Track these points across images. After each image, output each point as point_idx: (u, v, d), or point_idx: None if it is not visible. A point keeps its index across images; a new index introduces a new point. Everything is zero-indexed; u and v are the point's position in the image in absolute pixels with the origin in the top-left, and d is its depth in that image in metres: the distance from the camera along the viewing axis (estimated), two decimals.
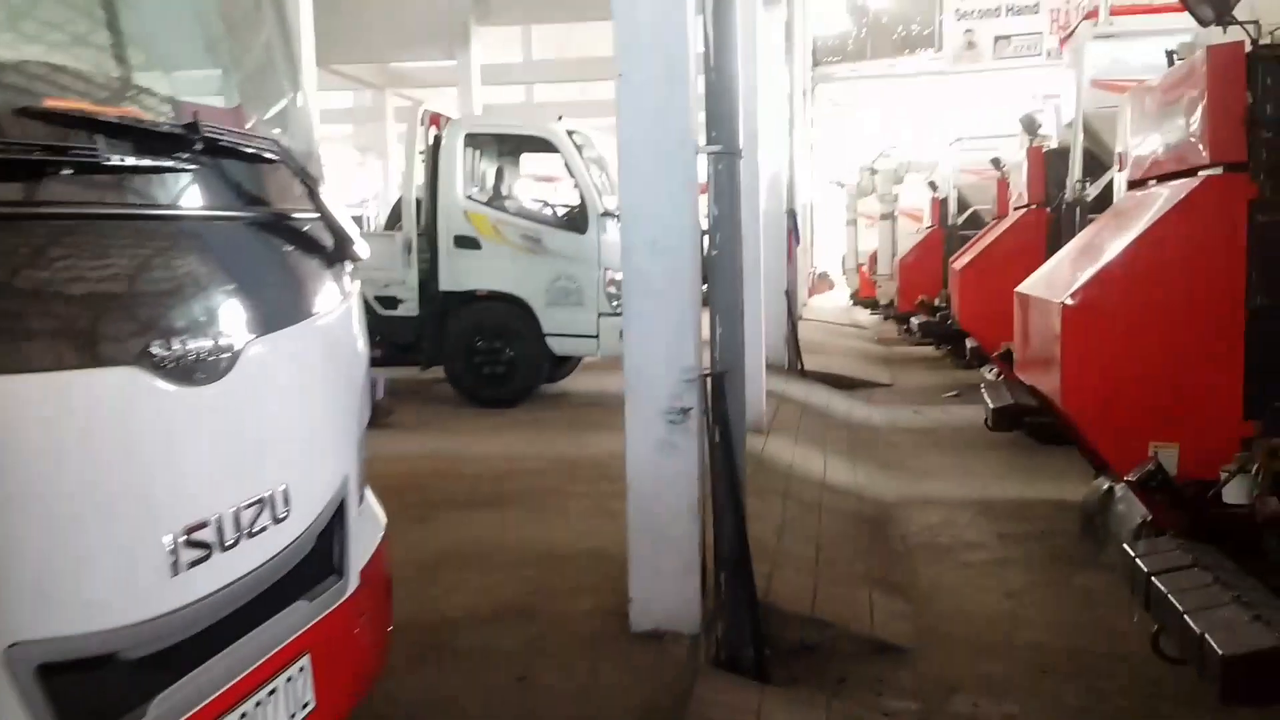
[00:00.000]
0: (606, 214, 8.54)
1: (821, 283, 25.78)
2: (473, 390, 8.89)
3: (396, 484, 6.25)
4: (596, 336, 8.63)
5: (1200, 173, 2.92)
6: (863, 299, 18.81)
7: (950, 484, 6.84)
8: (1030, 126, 6.52)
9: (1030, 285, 3.66)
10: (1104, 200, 4.81)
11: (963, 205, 11.60)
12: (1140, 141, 3.45)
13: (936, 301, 11.97)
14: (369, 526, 2.50)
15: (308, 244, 2.33)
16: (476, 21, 12.12)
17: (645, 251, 3.55)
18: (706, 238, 3.92)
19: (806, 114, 20.99)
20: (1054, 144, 6.41)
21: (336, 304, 2.38)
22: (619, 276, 9.00)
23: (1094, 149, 5.25)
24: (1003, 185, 8.75)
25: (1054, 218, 5.97)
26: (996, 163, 9.03)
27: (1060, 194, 5.71)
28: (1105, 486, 3.21)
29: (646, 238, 3.55)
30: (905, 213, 15.25)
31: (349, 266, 2.52)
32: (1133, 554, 2.56)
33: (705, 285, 3.85)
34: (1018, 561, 5.18)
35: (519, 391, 8.83)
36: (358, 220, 19.64)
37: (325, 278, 2.37)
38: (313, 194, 2.30)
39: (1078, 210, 5.08)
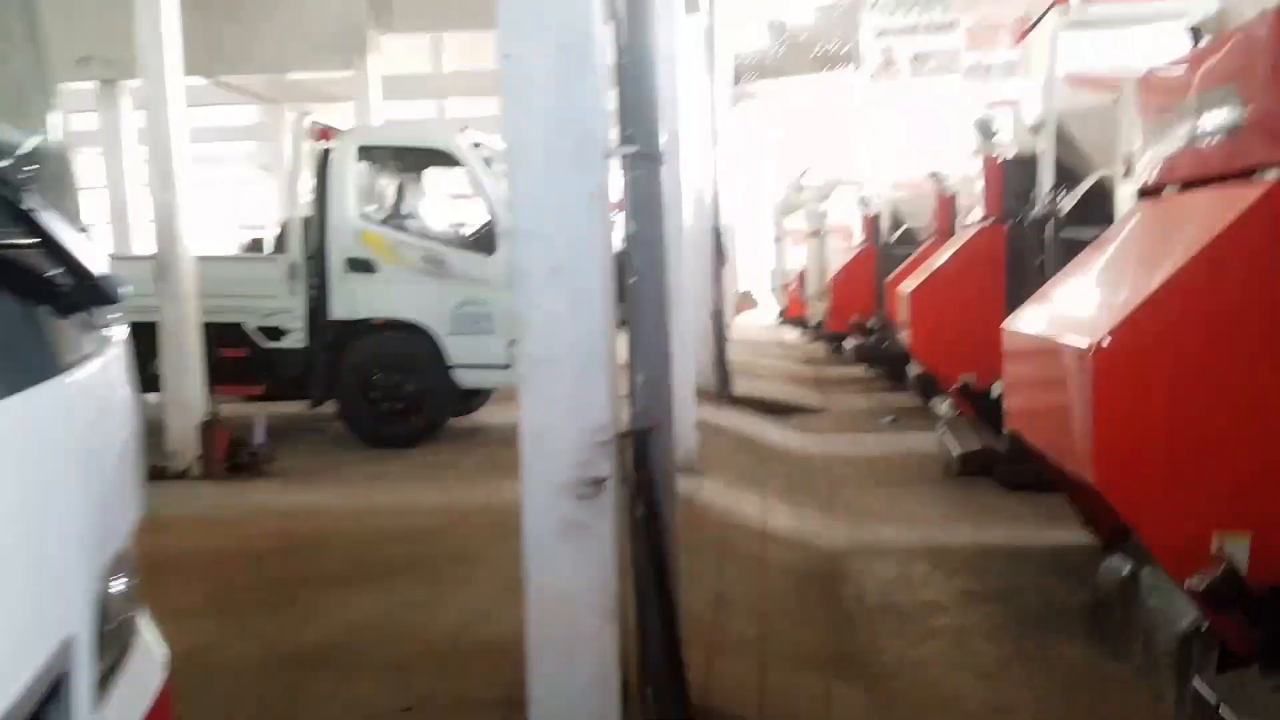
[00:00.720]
0: None
1: (745, 301, 25.40)
2: (370, 430, 8.00)
3: (260, 551, 5.38)
4: (509, 366, 7.81)
5: (1258, 175, 2.27)
6: (790, 318, 18.28)
7: (899, 528, 6.18)
8: (986, 131, 5.89)
9: (1029, 321, 2.97)
10: (1083, 214, 4.20)
11: (896, 222, 11.06)
12: (1157, 139, 2.80)
13: (870, 323, 11.42)
14: (135, 685, 1.71)
15: (22, 284, 1.53)
16: (376, 28, 11.22)
17: (542, 280, 2.78)
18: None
19: (729, 130, 20.56)
20: (1013, 152, 5.79)
21: (73, 369, 1.58)
22: None
23: (1064, 156, 4.62)
24: (943, 200, 8.19)
25: (1015, 234, 5.36)
26: (936, 176, 8.47)
27: (1023, 207, 5.10)
28: (1127, 570, 2.52)
29: (544, 262, 2.78)
30: (834, 230, 14.72)
31: (105, 312, 1.74)
32: (1213, 696, 1.88)
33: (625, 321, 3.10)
34: (987, 629, 4.51)
35: (422, 430, 7.96)
36: (259, 243, 18.45)
37: (52, 331, 1.57)
38: (23, 215, 1.50)
39: (1050, 225, 4.45)
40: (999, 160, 5.75)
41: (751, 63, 24.66)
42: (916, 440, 8.97)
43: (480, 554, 5.04)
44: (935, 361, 5.86)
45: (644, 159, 2.94)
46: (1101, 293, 2.65)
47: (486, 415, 9.26)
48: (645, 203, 2.96)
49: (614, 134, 3.00)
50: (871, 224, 12.09)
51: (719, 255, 10.72)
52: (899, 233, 10.97)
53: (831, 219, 14.85)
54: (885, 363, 10.98)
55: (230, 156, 28.47)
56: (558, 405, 2.78)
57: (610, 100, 2.95)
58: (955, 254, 5.92)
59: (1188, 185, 2.65)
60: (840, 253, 14.17)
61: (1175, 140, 2.69)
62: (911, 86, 21.29)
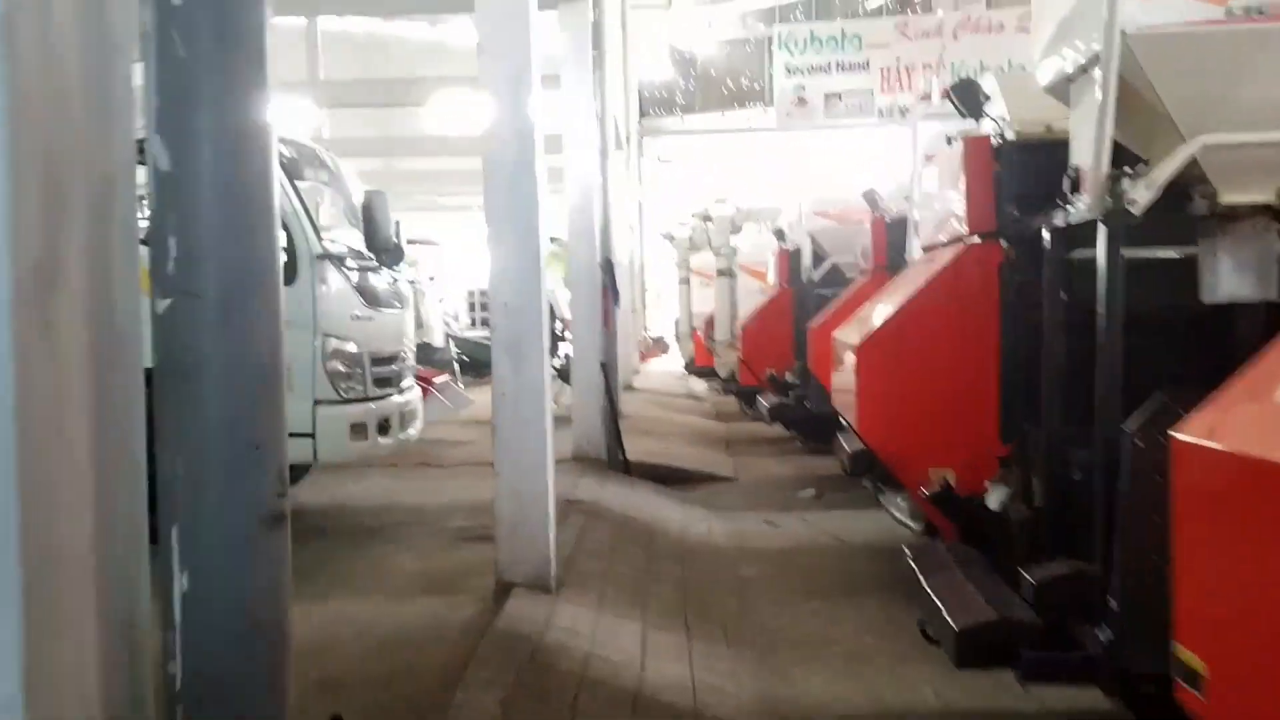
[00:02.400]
0: (326, 257, 5.88)
1: (657, 347, 23.82)
2: None
3: None
4: (312, 435, 5.82)
5: None
6: (700, 367, 16.54)
7: (836, 676, 4.37)
8: (971, 99, 4.00)
9: (1248, 436, 1.27)
10: (1167, 220, 2.44)
11: (819, 257, 9.40)
12: None
13: (789, 377, 9.70)
14: None
15: None
16: None
17: None
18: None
19: (633, 164, 19.16)
20: (1010, 133, 3.96)
21: None
22: (349, 347, 6.31)
23: (1121, 135, 2.77)
24: (879, 225, 6.53)
25: (1021, 254, 3.57)
26: (871, 197, 6.77)
27: (1030, 214, 3.36)
28: None
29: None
30: (746, 268, 13.05)
31: None
32: None
33: None
34: None
35: None
36: None
37: None
38: None
39: (1105, 234, 2.63)
40: (991, 144, 3.93)
41: (660, 98, 23.68)
42: (845, 522, 7.30)
43: None
44: (895, 447, 3.99)
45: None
46: None
47: (341, 492, 7.33)
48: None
49: None
50: (788, 260, 10.39)
51: (610, 294, 8.98)
52: (823, 270, 9.29)
53: (743, 256, 13.16)
54: (806, 426, 9.26)
55: None
56: None
57: None
58: (922, 290, 4.06)
59: None
60: (753, 294, 12.47)
61: None
62: (824, 126, 20.25)
